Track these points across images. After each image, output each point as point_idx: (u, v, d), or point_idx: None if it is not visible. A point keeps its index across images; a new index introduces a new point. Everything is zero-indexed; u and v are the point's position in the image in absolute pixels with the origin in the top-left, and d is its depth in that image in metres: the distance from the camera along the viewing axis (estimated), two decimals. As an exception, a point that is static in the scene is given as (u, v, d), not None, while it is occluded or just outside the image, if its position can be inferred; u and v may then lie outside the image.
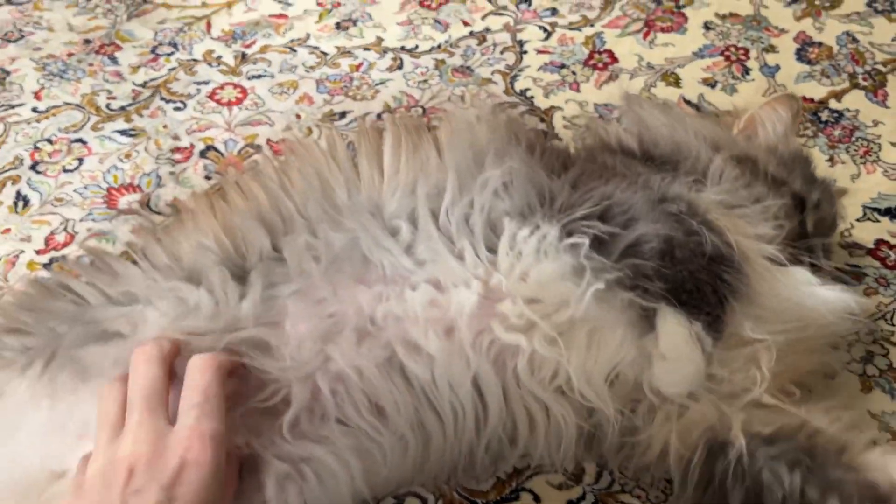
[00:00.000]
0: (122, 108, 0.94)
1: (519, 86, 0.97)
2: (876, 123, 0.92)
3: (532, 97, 0.96)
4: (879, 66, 0.99)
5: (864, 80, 0.97)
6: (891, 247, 0.81)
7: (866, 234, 0.82)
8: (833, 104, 0.95)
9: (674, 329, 0.58)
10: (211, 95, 0.96)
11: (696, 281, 0.58)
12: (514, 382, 0.57)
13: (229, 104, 0.95)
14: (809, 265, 0.65)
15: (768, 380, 0.59)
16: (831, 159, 0.89)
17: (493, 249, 0.59)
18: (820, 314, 0.63)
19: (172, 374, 0.53)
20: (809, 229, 0.71)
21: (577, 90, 0.97)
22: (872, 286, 0.78)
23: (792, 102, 0.77)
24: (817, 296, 0.63)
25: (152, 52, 1.03)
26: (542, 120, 0.93)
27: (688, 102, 0.95)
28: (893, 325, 0.75)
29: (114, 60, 1.01)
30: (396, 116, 0.70)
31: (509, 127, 0.67)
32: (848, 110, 0.94)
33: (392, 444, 0.57)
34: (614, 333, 0.58)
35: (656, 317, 0.58)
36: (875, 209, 0.84)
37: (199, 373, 0.51)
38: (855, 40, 1.02)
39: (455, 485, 0.64)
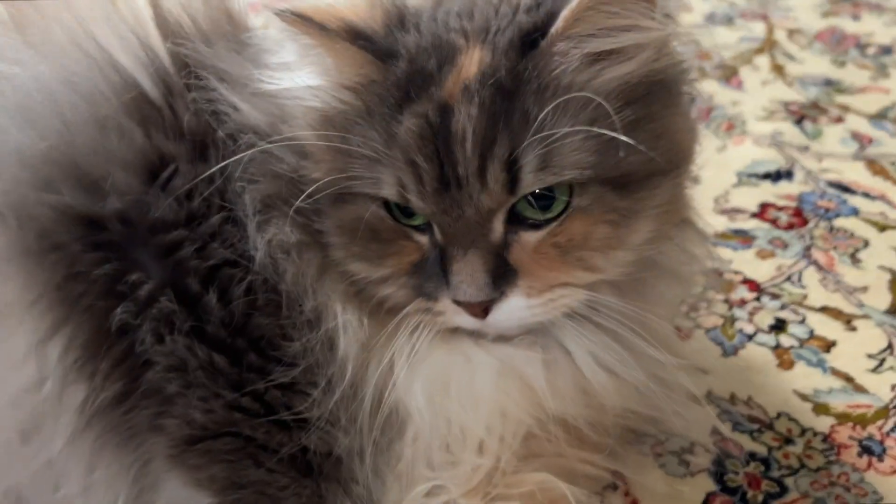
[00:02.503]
0: None
1: None
2: (735, 104, 0.78)
3: None
4: (728, 62, 0.87)
5: (715, 71, 0.85)
6: (779, 208, 0.63)
7: (748, 198, 0.64)
8: (683, 91, 0.81)
9: None
10: None
11: None
12: None
13: None
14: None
15: None
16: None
17: None
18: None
19: None
20: None
21: None
22: (767, 248, 0.58)
23: None
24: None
25: None
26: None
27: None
28: (804, 286, 0.55)
29: None
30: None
31: None
32: (700, 96, 0.80)
33: None
34: None
35: None
36: (752, 175, 0.66)
37: None
38: (698, 44, 0.90)
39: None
